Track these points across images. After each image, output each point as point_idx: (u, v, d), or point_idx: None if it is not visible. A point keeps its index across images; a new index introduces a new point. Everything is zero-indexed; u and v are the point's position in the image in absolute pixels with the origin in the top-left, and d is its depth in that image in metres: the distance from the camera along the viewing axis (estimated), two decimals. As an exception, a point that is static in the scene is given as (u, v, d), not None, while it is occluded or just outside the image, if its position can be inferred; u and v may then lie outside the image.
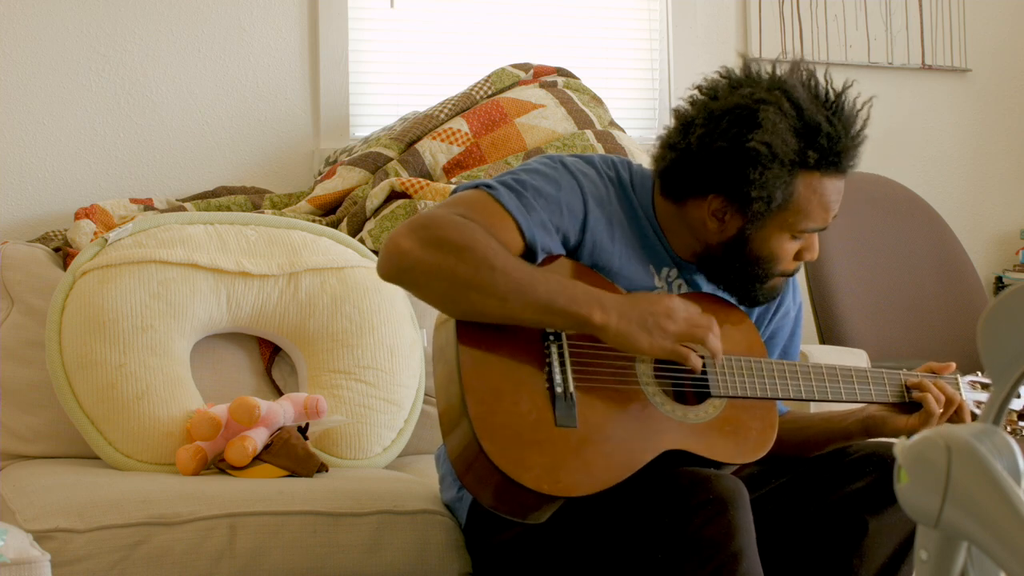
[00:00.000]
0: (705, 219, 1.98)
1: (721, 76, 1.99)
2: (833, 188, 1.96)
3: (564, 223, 1.95)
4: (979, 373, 2.14)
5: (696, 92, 1.99)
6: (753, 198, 1.92)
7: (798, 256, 2.01)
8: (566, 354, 1.88)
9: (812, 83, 1.95)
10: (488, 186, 1.92)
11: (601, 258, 1.99)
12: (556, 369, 1.86)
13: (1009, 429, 2.13)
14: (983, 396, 2.11)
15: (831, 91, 1.95)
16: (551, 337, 1.89)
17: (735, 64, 2.01)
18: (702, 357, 1.93)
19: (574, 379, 1.87)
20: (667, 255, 2.05)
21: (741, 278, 2.01)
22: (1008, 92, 4.11)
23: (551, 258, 1.95)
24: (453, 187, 2.97)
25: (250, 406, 2.39)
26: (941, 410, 2.03)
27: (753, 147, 1.89)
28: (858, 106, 1.97)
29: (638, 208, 2.04)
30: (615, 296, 1.86)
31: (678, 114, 2.00)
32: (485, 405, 1.81)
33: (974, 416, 2.07)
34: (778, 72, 1.95)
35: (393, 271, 1.86)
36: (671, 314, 1.86)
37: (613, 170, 2.06)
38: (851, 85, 1.97)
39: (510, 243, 1.88)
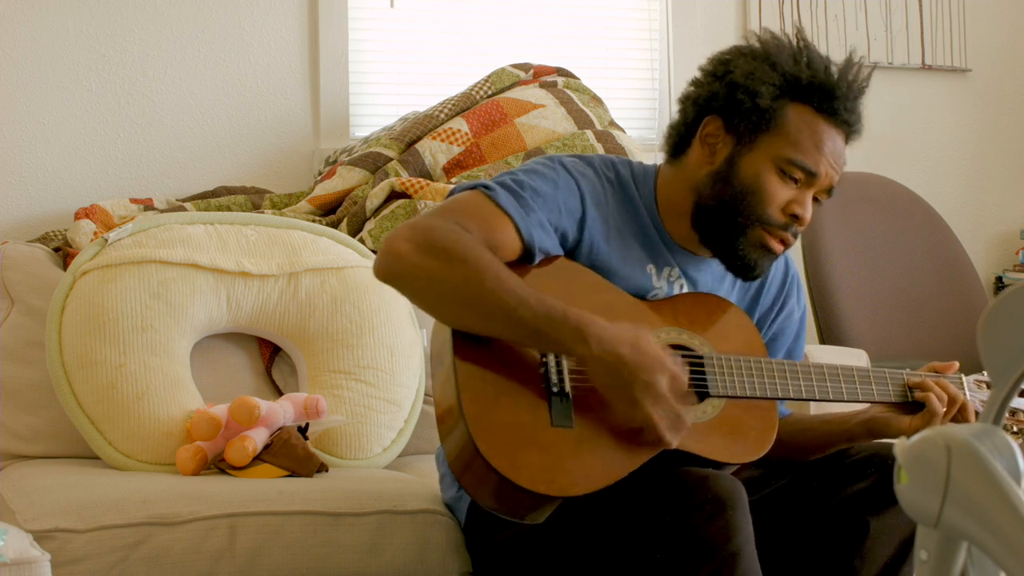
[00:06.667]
0: (699, 156, 2.00)
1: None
2: (827, 133, 1.96)
3: (562, 222, 1.96)
4: (984, 372, 2.12)
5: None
6: (743, 110, 1.95)
7: (787, 208, 1.97)
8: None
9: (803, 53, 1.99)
10: (486, 187, 1.92)
11: (599, 259, 1.99)
12: (552, 369, 1.86)
13: (1016, 429, 2.13)
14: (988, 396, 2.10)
15: (825, 55, 2.00)
16: None
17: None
18: (699, 357, 1.94)
19: (570, 379, 1.86)
20: (668, 253, 2.05)
21: (728, 227, 1.98)
22: (1008, 92, 4.10)
23: (550, 259, 1.95)
24: (453, 187, 2.97)
25: (250, 406, 2.39)
26: (944, 409, 2.02)
27: (741, 73, 1.97)
28: (856, 65, 2.00)
29: (640, 204, 2.04)
30: (607, 334, 1.80)
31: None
32: (481, 406, 1.81)
33: (979, 416, 2.06)
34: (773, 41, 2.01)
35: (387, 273, 1.88)
36: (650, 390, 1.79)
37: (612, 170, 2.06)
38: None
39: (508, 244, 1.89)
